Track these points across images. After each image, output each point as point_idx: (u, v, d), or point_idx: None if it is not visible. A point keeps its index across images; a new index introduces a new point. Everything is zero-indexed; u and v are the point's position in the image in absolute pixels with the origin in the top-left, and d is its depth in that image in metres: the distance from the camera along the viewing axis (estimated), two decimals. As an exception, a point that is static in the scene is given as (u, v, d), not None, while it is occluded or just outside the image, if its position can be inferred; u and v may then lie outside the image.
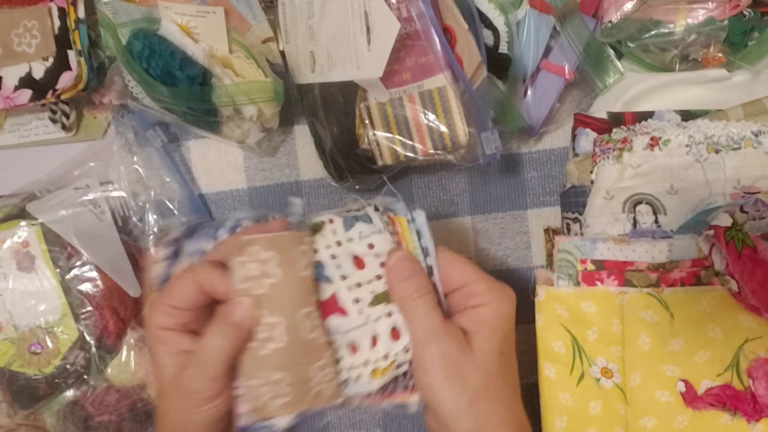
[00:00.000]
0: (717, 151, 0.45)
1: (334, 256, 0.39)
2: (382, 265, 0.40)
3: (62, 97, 0.54)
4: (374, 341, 0.39)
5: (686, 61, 0.49)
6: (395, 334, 0.40)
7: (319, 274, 0.39)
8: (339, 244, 0.39)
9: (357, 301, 0.39)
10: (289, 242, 0.37)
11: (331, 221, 0.40)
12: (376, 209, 0.41)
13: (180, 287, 0.37)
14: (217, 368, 0.36)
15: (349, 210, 0.41)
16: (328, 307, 0.39)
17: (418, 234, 0.40)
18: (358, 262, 0.40)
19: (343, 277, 0.39)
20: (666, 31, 0.48)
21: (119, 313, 0.52)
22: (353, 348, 0.39)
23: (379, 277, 0.40)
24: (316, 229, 0.39)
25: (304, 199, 0.57)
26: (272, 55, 0.54)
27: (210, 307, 0.38)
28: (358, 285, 0.39)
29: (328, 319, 0.39)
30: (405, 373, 0.40)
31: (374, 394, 0.40)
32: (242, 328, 0.36)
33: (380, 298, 0.40)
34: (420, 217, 0.41)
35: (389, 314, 0.40)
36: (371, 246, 0.40)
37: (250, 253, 0.37)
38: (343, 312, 0.39)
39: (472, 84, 0.46)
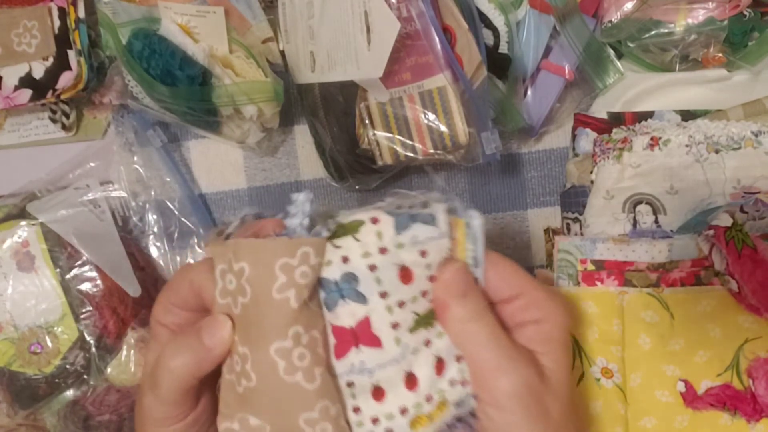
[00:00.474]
0: (717, 151, 0.44)
1: (373, 267, 0.30)
2: (431, 278, 0.31)
3: (62, 96, 0.54)
4: (411, 380, 0.31)
5: (686, 61, 0.49)
6: (439, 367, 0.31)
7: (346, 291, 0.30)
8: (383, 251, 0.30)
9: (396, 326, 0.30)
10: (265, 251, 0.28)
11: (376, 221, 0.30)
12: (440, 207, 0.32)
13: (176, 284, 0.33)
14: (171, 391, 0.30)
15: (400, 206, 0.32)
16: (356, 336, 0.30)
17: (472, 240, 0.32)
18: (405, 274, 0.31)
19: (383, 295, 0.30)
20: (666, 31, 0.48)
21: (119, 313, 0.52)
22: (379, 393, 0.30)
23: (424, 294, 0.31)
24: (349, 231, 0.30)
25: (304, 199, 0.56)
26: (272, 55, 0.54)
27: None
28: (401, 305, 0.30)
29: (353, 354, 0.30)
30: (459, 418, 0.32)
31: None
32: (212, 353, 0.30)
33: (421, 322, 0.31)
34: (477, 220, 0.32)
35: (427, 342, 0.31)
36: (423, 254, 0.31)
37: (227, 260, 0.29)
38: (375, 342, 0.30)
39: (472, 84, 0.46)
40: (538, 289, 0.33)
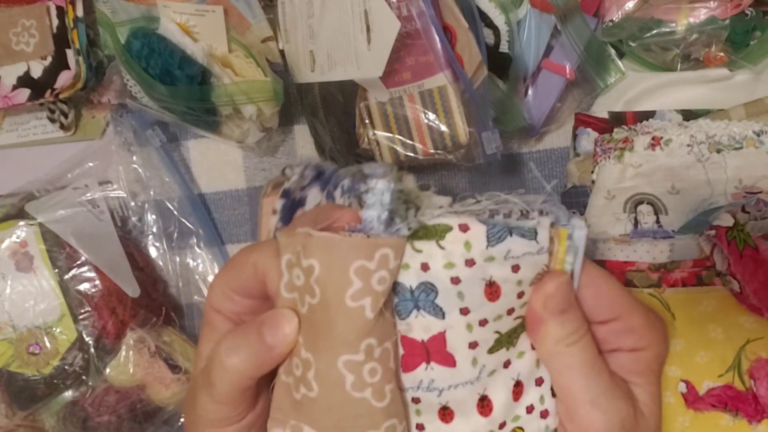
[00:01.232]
0: (719, 151, 0.44)
1: (456, 280, 0.26)
2: (519, 295, 0.27)
3: (61, 96, 0.54)
4: (485, 405, 0.28)
5: (688, 60, 0.49)
6: (517, 392, 0.28)
7: (422, 302, 0.26)
8: (470, 263, 0.26)
9: (474, 346, 0.27)
10: (339, 251, 0.25)
11: (465, 229, 0.26)
12: (542, 215, 0.27)
13: (237, 267, 0.28)
14: (227, 391, 0.27)
15: (493, 213, 0.27)
16: (428, 351, 0.27)
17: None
18: (492, 291, 0.27)
19: (465, 311, 0.26)
20: (667, 30, 0.47)
21: (118, 313, 0.51)
22: (447, 414, 0.28)
23: (510, 312, 0.27)
24: (432, 235, 0.26)
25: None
26: (272, 55, 0.54)
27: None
28: (482, 323, 0.27)
29: (421, 370, 0.27)
30: None
31: None
32: (273, 352, 0.27)
33: (503, 342, 0.28)
34: (581, 231, 0.28)
35: (507, 363, 0.28)
36: (516, 269, 0.27)
37: (296, 251, 0.25)
38: (449, 361, 0.27)
39: (473, 83, 0.46)
40: (638, 312, 0.29)
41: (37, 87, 0.53)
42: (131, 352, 0.51)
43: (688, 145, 0.45)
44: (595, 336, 0.29)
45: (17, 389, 0.51)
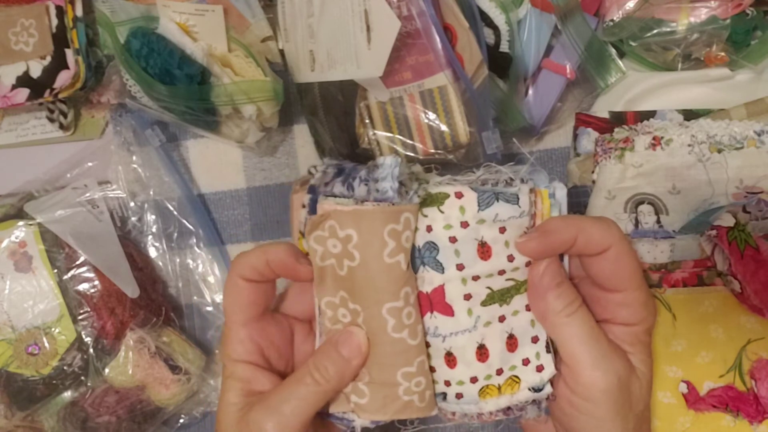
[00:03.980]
0: (719, 151, 0.44)
1: (453, 239, 0.31)
2: (510, 258, 0.32)
3: (60, 96, 0.54)
4: (483, 353, 0.32)
5: (688, 60, 0.49)
6: (512, 343, 0.33)
7: (427, 259, 0.32)
8: (465, 225, 0.31)
9: (468, 297, 0.32)
10: (373, 219, 0.30)
11: (460, 195, 0.31)
12: (523, 183, 0.33)
13: (243, 298, 0.33)
14: (305, 413, 0.31)
15: (485, 182, 0.33)
16: (431, 302, 0.32)
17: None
18: (484, 251, 0.32)
19: (460, 267, 0.32)
20: (668, 29, 0.47)
21: (117, 314, 0.51)
22: (451, 360, 0.32)
23: (501, 273, 0.33)
24: (434, 201, 0.32)
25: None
26: (271, 54, 0.53)
27: (289, 345, 0.35)
28: (475, 279, 0.32)
29: (427, 317, 0.32)
30: (535, 401, 0.34)
31: (489, 414, 0.33)
32: (351, 365, 0.31)
33: (495, 297, 0.33)
34: (562, 190, 0.33)
35: (501, 318, 0.33)
36: (502, 230, 0.32)
37: (328, 228, 0.30)
38: (448, 310, 0.32)
39: (473, 83, 0.46)
40: (641, 288, 0.33)
41: (37, 87, 0.53)
42: (131, 353, 0.51)
43: (689, 145, 0.45)
44: (596, 302, 0.34)
45: (16, 390, 0.51)
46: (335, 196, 0.32)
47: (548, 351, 0.34)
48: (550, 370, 0.34)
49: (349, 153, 0.50)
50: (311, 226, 0.31)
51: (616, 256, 0.32)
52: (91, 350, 0.50)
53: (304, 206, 0.33)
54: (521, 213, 0.32)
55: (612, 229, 0.32)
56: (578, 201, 0.48)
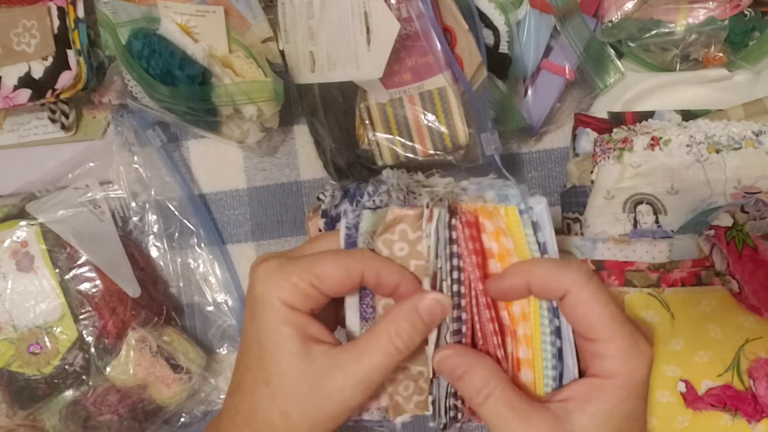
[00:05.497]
0: (718, 151, 0.44)
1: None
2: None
3: (61, 96, 0.54)
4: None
5: (687, 60, 0.49)
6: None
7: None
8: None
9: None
10: (441, 220, 0.32)
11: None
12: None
13: (328, 265, 0.31)
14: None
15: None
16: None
17: (534, 227, 0.32)
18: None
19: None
20: (666, 30, 0.47)
21: (119, 313, 0.51)
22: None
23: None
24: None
25: (304, 199, 0.57)
26: (272, 55, 0.54)
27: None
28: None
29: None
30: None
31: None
32: (428, 328, 0.31)
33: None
34: (539, 205, 0.32)
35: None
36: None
37: (399, 231, 0.33)
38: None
39: (473, 84, 0.46)
40: (616, 338, 0.29)
41: (38, 87, 0.53)
42: (132, 352, 0.51)
43: (688, 146, 0.45)
44: (579, 350, 0.31)
45: (18, 389, 0.51)
46: (376, 207, 0.34)
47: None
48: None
49: (349, 153, 0.50)
50: (382, 228, 0.33)
51: (575, 302, 0.29)
52: (93, 349, 0.50)
53: (320, 230, 0.35)
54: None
55: (567, 273, 0.29)
56: (577, 201, 0.48)
